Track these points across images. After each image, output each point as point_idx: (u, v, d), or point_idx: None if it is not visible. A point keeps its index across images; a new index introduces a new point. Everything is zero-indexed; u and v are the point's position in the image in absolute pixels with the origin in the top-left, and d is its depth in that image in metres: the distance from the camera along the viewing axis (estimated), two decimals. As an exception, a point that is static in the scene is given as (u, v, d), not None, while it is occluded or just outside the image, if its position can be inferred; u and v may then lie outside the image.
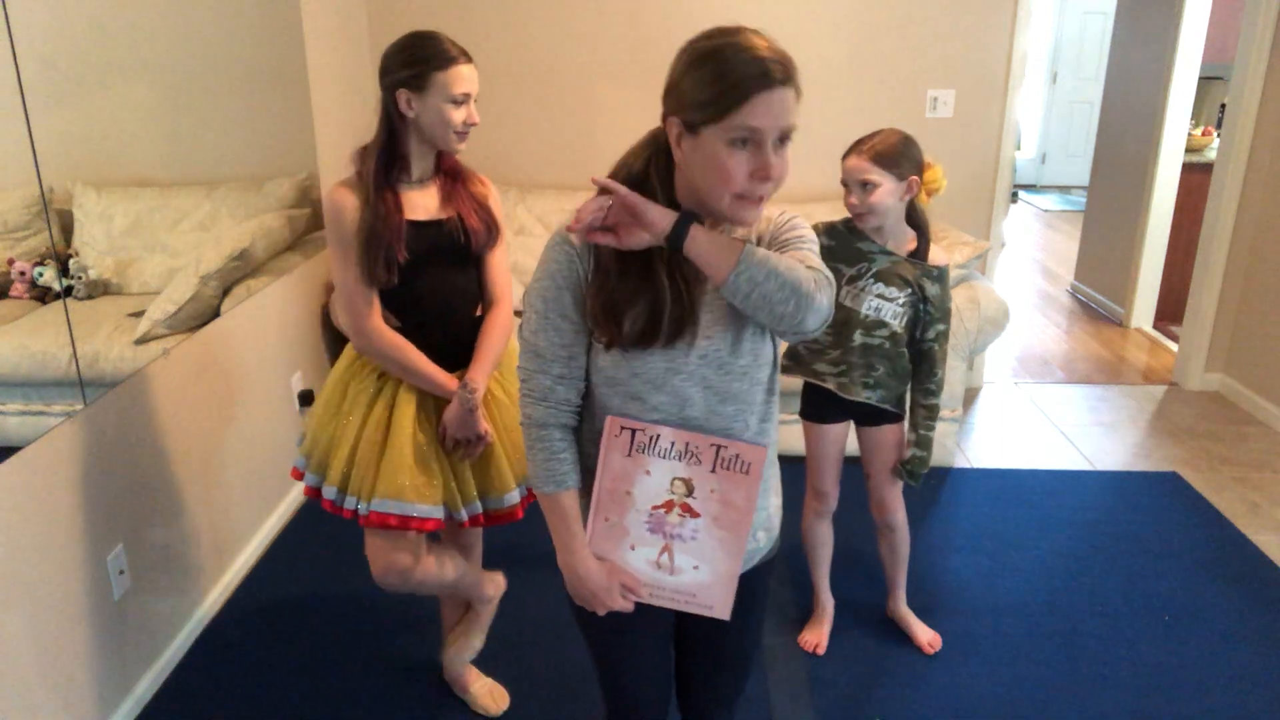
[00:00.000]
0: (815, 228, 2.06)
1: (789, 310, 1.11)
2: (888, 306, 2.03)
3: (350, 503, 1.83)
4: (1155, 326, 4.93)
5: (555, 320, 1.22)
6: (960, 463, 3.37)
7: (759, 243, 1.24)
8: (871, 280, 2.02)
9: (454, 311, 1.86)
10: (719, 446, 1.21)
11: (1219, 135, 4.38)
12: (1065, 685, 2.22)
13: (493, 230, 1.86)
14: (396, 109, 1.73)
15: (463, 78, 1.74)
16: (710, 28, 1.14)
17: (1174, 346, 4.50)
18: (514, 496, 1.92)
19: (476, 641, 2.16)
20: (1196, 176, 4.65)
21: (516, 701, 2.15)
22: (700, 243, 1.11)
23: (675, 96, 1.14)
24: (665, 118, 1.16)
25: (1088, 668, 2.29)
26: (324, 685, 2.21)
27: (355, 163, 1.78)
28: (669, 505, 1.25)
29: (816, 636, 2.36)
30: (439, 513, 1.83)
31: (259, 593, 2.57)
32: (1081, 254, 5.58)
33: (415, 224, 1.77)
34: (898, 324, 2.05)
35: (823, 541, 2.35)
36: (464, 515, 1.88)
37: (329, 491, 1.86)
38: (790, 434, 2.62)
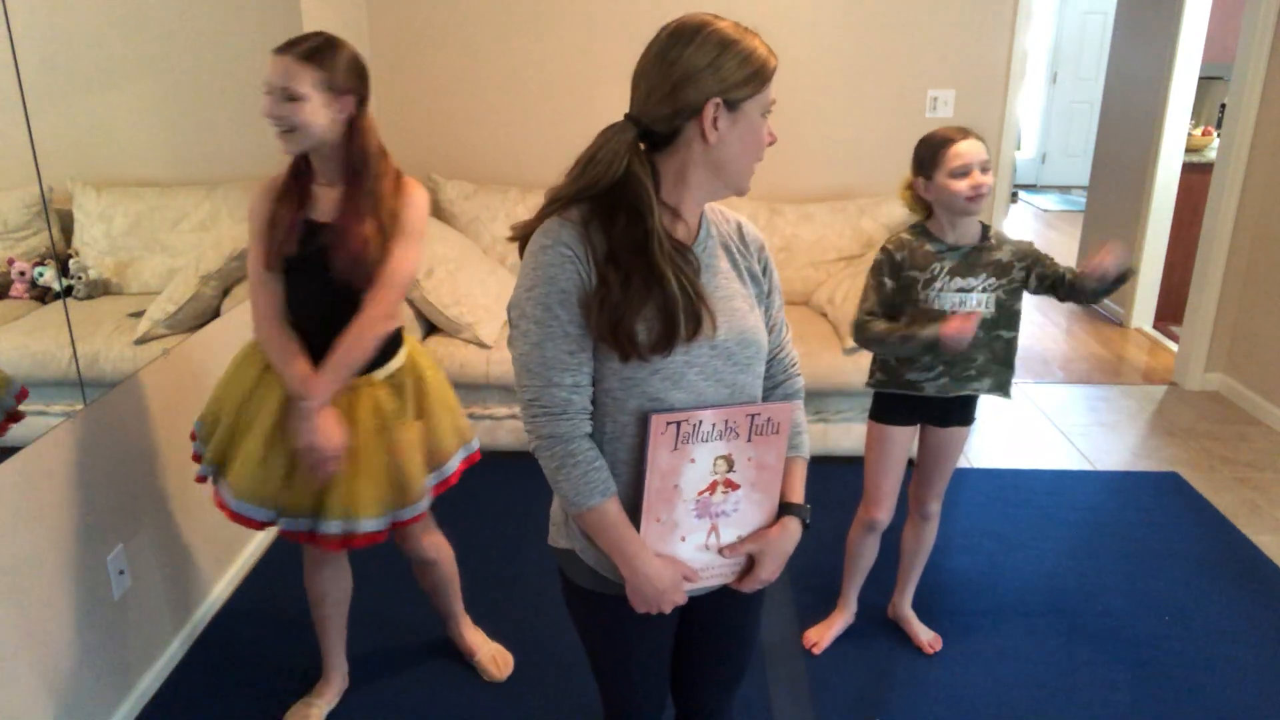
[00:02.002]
0: (880, 256, 2.03)
1: None
2: (970, 297, 2.00)
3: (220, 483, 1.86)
4: (1155, 326, 4.93)
5: (563, 327, 1.16)
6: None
7: (729, 247, 1.29)
8: (946, 277, 2.00)
9: (322, 320, 1.75)
10: (753, 415, 1.23)
11: (1219, 135, 4.37)
12: (1065, 685, 2.22)
13: (359, 267, 1.69)
14: None
15: (267, 68, 1.69)
16: (691, 16, 1.17)
17: (1174, 346, 4.50)
18: (354, 524, 1.79)
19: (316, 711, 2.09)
20: (1196, 176, 4.65)
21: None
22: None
23: (715, 77, 1.14)
24: (700, 101, 1.14)
25: (1088, 668, 2.29)
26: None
27: None
28: (713, 486, 1.25)
29: (819, 635, 2.35)
30: (258, 514, 1.80)
31: (259, 593, 2.57)
32: (1081, 254, 5.57)
33: (310, 222, 1.74)
34: (985, 309, 2.01)
35: (867, 555, 2.32)
36: (293, 524, 1.83)
37: (205, 469, 1.89)
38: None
